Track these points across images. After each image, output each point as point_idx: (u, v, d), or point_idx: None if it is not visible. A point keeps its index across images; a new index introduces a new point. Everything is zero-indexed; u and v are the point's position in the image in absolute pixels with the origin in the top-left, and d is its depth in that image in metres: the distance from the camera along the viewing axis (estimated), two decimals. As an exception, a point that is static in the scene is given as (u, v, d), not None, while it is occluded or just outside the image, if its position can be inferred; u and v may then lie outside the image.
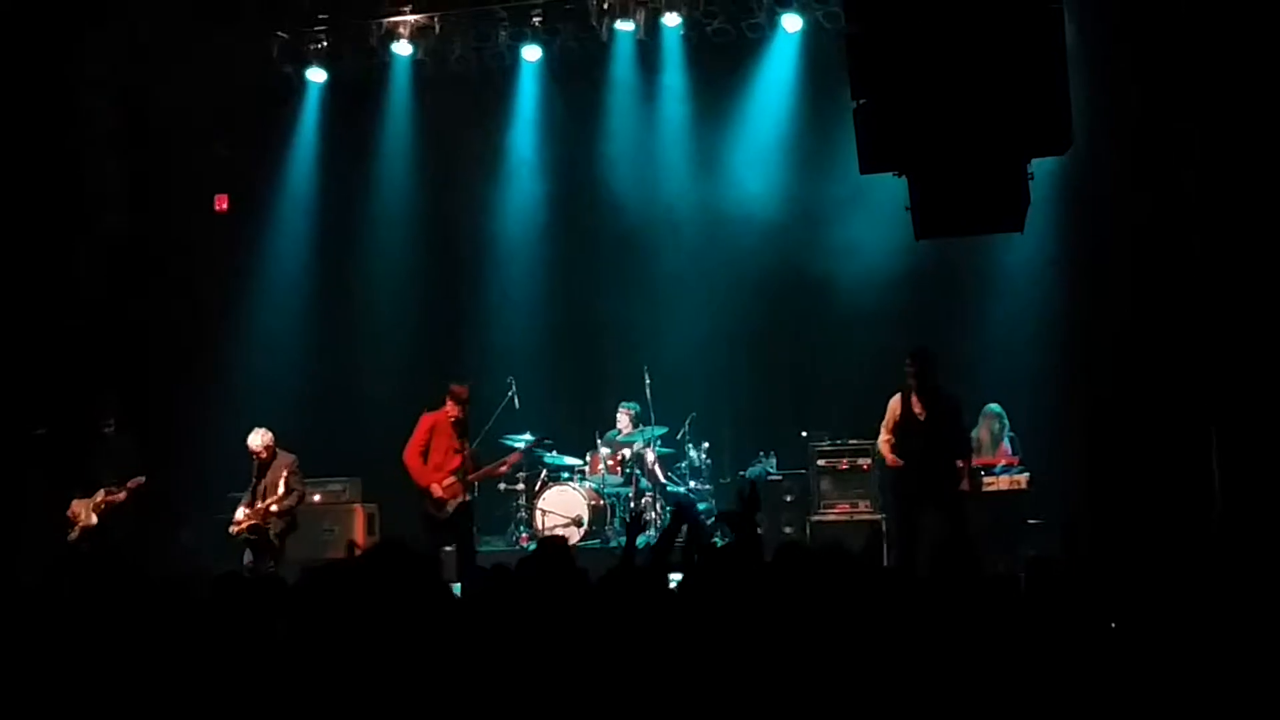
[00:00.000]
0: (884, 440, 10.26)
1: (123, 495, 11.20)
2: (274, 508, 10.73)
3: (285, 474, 10.78)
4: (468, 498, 10.60)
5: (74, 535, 11.26)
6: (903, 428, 10.09)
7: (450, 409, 10.63)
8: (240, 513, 10.89)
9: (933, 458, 9.92)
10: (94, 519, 11.23)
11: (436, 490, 10.52)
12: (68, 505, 11.35)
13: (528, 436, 12.44)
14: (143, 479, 11.26)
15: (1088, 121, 8.21)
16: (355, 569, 3.68)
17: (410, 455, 10.63)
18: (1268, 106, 9.64)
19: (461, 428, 10.65)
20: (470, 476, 10.65)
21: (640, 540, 11.51)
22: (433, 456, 10.58)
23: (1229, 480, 9.70)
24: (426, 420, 10.69)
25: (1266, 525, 9.14)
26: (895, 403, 10.15)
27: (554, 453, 12.97)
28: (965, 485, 10.15)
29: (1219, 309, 10.00)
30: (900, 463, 10.10)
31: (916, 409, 10.00)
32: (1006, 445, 11.73)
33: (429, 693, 3.29)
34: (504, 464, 11.22)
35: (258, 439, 10.88)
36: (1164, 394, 10.80)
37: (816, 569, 3.62)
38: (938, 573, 4.36)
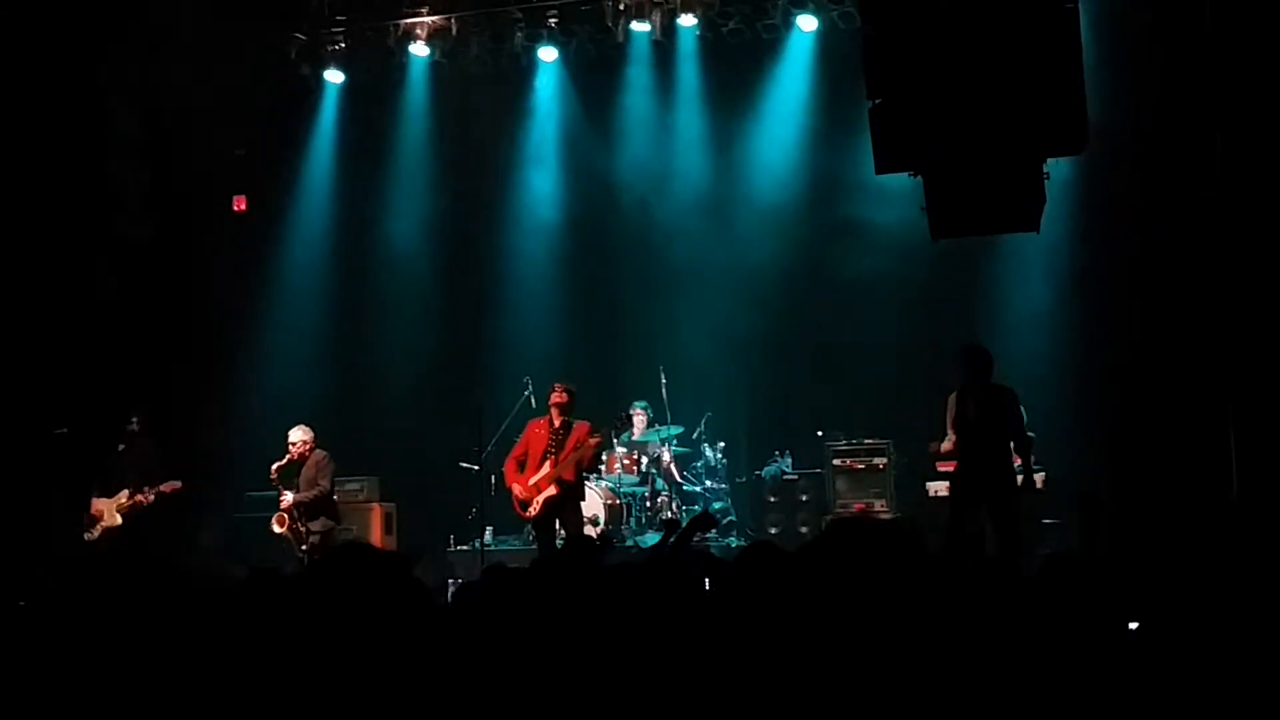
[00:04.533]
0: (950, 441, 10.01)
1: (151, 497, 11.26)
2: (287, 498, 10.86)
3: (314, 470, 10.96)
4: (553, 490, 10.64)
5: (95, 535, 11.33)
6: (959, 427, 9.88)
7: (552, 413, 10.81)
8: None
9: (987, 456, 9.74)
10: (118, 519, 11.30)
11: (516, 491, 10.78)
12: (89, 505, 11.43)
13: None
14: (179, 484, 11.33)
15: (1103, 118, 8.21)
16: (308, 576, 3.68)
17: (506, 461, 11.01)
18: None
19: (555, 431, 10.76)
20: (551, 471, 10.69)
21: (652, 539, 11.58)
22: (529, 465, 10.79)
23: (1247, 476, 9.66)
24: (527, 428, 11.01)
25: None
26: (952, 401, 9.91)
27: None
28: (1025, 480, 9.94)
29: (1237, 305, 9.96)
30: (951, 445, 9.91)
31: (970, 407, 9.84)
32: (1025, 444, 11.67)
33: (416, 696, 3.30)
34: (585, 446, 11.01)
35: (297, 434, 11.03)
36: (1181, 391, 10.77)
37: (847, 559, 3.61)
38: (976, 568, 4.35)
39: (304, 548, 10.79)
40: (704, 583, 4.53)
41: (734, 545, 12.29)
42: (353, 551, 3.38)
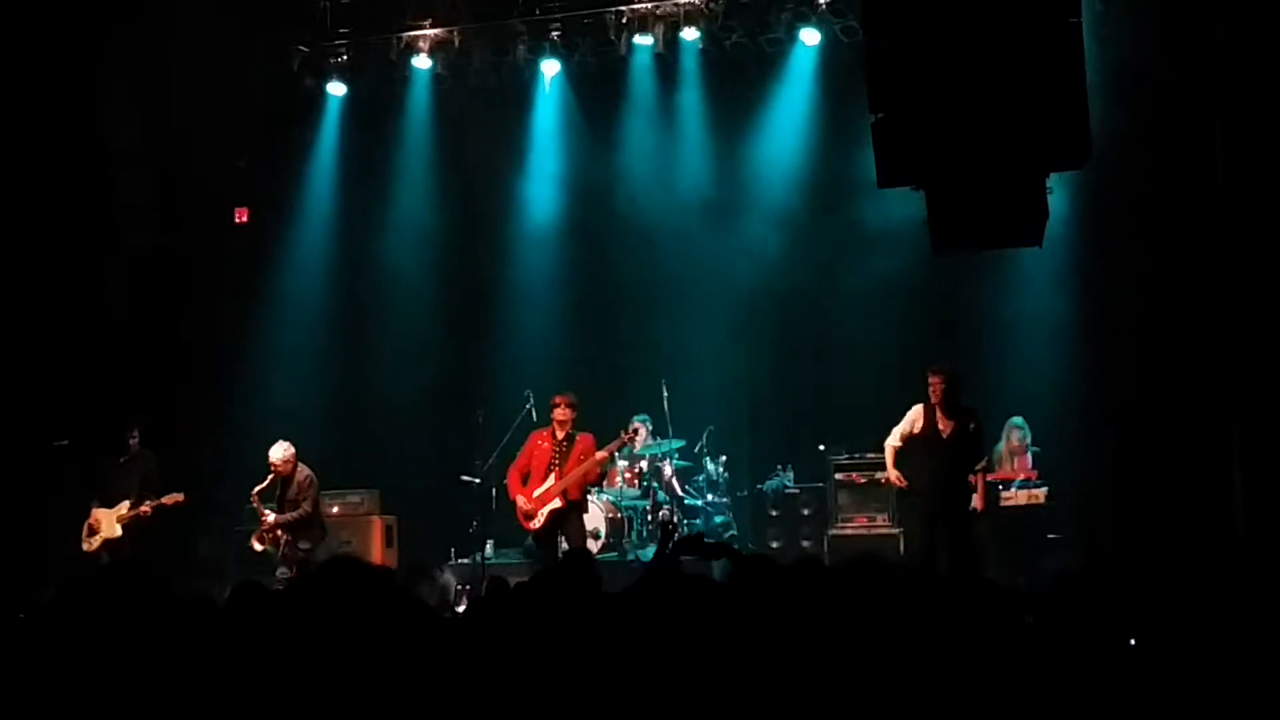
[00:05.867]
0: (892, 446, 10.22)
1: (149, 510, 11.24)
2: (269, 518, 10.85)
3: (297, 491, 10.94)
4: (558, 503, 10.62)
5: (94, 545, 11.31)
6: (923, 443, 10.02)
7: (554, 423, 10.76)
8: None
9: (951, 475, 9.87)
10: (117, 530, 11.28)
11: (520, 503, 10.72)
12: (88, 515, 11.42)
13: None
14: (181, 496, 11.32)
15: (1107, 131, 8.20)
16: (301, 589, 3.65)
17: (509, 473, 10.97)
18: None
19: (558, 443, 10.72)
20: (556, 484, 10.64)
21: (648, 554, 11.54)
22: (533, 478, 10.74)
23: (1253, 491, 9.63)
24: (529, 440, 10.94)
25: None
26: (918, 413, 10.06)
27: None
28: (978, 503, 10.15)
29: (1241, 317, 9.94)
30: (899, 480, 10.18)
31: (940, 425, 9.94)
32: (1028, 459, 11.68)
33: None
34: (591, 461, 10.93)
35: (278, 452, 10.94)
36: (1186, 404, 10.75)
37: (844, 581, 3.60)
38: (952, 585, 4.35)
39: (283, 562, 10.80)
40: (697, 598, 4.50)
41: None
42: (340, 567, 3.35)
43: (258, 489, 10.97)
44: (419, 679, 3.25)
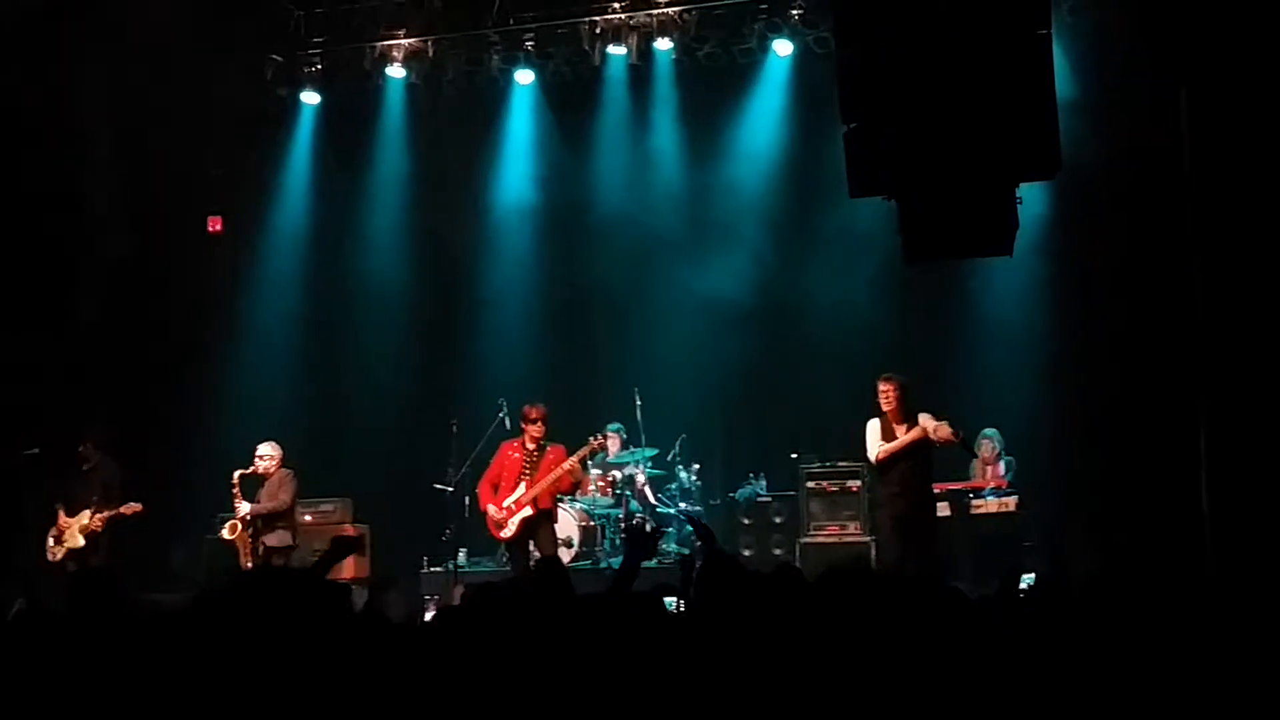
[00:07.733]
0: (885, 450, 10.08)
1: (101, 520, 11.20)
2: (244, 508, 10.85)
3: (277, 485, 10.95)
4: (529, 511, 10.56)
5: (58, 556, 11.26)
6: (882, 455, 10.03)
7: (525, 434, 10.71)
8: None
9: (914, 481, 9.90)
10: (80, 540, 11.23)
11: (491, 512, 10.67)
12: (53, 525, 11.37)
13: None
14: (139, 506, 11.27)
15: (1076, 143, 8.26)
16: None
17: (480, 484, 10.91)
18: (1262, 127, 9.64)
19: (529, 453, 10.68)
20: (527, 493, 10.61)
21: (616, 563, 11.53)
22: (504, 487, 10.70)
23: (1219, 501, 9.69)
24: (500, 450, 10.88)
25: (1259, 547, 9.13)
26: (876, 426, 10.07)
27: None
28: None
29: (1211, 327, 9.99)
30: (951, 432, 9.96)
31: (896, 433, 9.98)
32: (1000, 467, 11.73)
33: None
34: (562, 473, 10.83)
35: (266, 449, 11.00)
36: (1157, 413, 10.81)
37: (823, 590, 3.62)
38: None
39: (254, 561, 10.77)
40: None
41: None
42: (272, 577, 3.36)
43: (240, 473, 10.96)
44: (377, 689, 3.26)
